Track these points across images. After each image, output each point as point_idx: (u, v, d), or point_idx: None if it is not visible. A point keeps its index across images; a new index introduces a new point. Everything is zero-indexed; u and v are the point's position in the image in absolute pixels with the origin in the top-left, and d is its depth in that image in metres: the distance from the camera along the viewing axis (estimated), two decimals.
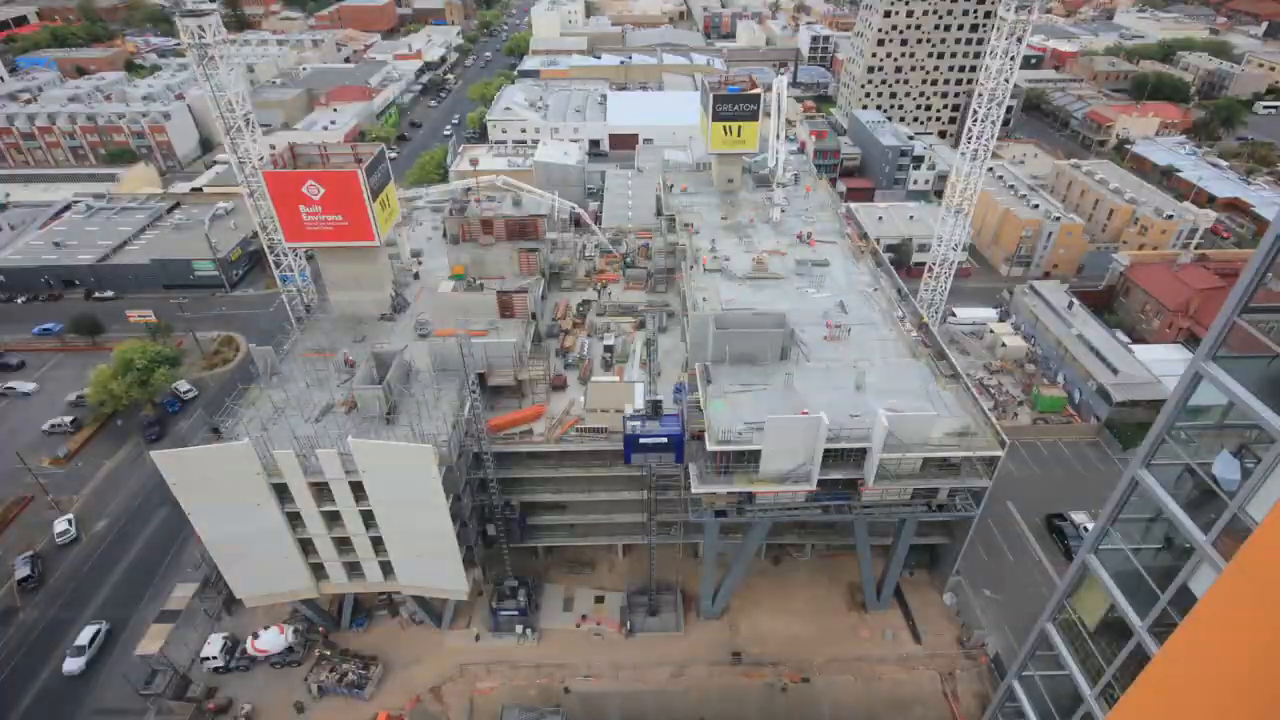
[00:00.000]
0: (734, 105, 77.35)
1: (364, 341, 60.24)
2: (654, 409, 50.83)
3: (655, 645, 61.22)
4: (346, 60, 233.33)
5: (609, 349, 64.16)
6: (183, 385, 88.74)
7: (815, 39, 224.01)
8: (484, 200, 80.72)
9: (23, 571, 66.04)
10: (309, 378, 54.66)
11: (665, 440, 50.84)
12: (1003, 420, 79.31)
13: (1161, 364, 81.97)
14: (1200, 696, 21.17)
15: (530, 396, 58.98)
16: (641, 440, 50.77)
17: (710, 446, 48.91)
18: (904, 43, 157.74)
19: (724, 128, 78.46)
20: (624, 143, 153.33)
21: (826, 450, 48.01)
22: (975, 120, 69.60)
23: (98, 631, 61.41)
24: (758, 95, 77.63)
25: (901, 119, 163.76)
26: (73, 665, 58.94)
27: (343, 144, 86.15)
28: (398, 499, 49.16)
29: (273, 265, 73.82)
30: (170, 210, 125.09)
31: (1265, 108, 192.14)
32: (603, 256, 79.80)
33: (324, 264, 63.48)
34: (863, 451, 49.22)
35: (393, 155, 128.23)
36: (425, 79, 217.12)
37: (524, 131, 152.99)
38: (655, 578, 62.20)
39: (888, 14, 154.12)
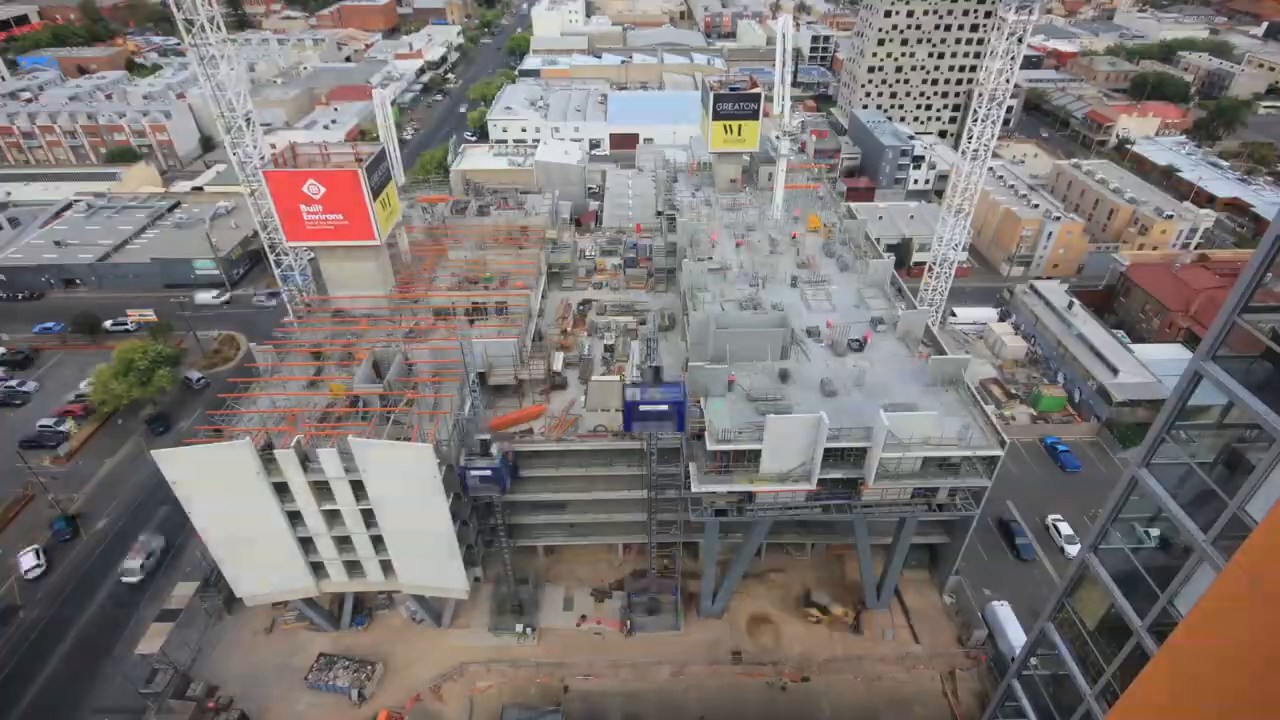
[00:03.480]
0: (734, 104, 77.18)
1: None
2: (654, 375, 48.90)
3: (655, 644, 61.26)
4: (347, 60, 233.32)
5: (609, 349, 64.19)
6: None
7: (815, 39, 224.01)
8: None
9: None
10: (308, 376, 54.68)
11: (666, 408, 47.60)
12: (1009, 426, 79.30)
13: (1161, 364, 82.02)
14: (1200, 696, 21.19)
15: (530, 396, 59.06)
16: (642, 407, 47.71)
17: (710, 446, 48.92)
18: (904, 42, 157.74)
19: (724, 126, 78.30)
20: (624, 143, 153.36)
21: (827, 449, 48.00)
22: (975, 120, 69.59)
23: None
24: (758, 94, 77.48)
25: (902, 119, 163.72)
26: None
27: (343, 143, 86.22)
28: (398, 498, 49.20)
29: (273, 264, 73.86)
30: (171, 209, 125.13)
31: (1266, 108, 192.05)
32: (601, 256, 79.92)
33: (324, 263, 63.53)
34: (863, 451, 49.22)
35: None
36: (425, 78, 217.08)
37: (524, 131, 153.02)
38: (655, 577, 62.22)
39: (888, 14, 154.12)
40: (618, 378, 59.33)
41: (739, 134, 78.78)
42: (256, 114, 67.44)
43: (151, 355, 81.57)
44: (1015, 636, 57.83)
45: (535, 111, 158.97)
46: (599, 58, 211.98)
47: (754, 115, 77.55)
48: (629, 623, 62.02)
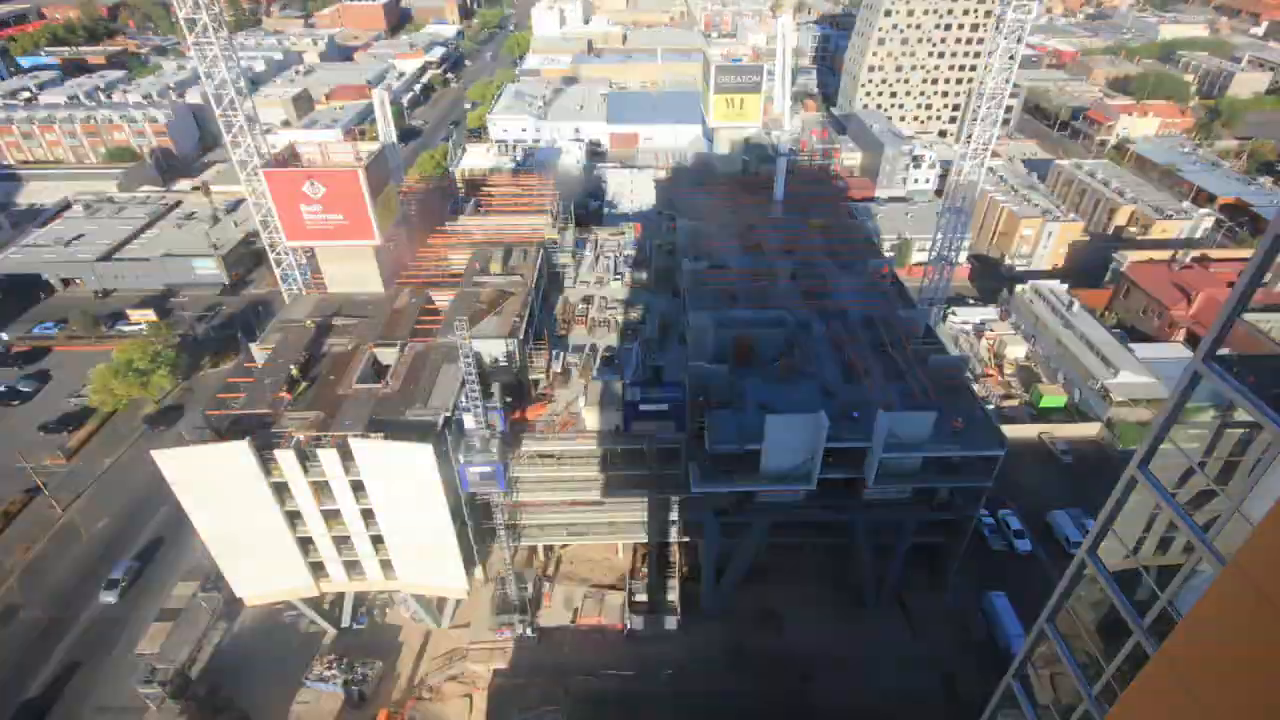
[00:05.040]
0: (736, 76, 76.81)
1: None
2: (655, 375, 49.68)
3: (655, 644, 61.19)
4: (347, 59, 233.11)
5: (609, 348, 64.05)
6: None
7: (815, 39, 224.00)
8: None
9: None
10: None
11: (666, 407, 49.12)
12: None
13: (1161, 364, 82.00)
14: (1200, 696, 21.19)
15: (529, 396, 59.01)
16: (641, 407, 49.22)
17: (710, 446, 48.90)
18: (904, 42, 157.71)
19: (726, 100, 77.89)
20: (624, 142, 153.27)
21: (827, 449, 48.00)
22: (975, 120, 69.54)
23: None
24: (760, 66, 77.12)
25: (902, 118, 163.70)
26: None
27: (343, 143, 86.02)
28: (397, 498, 49.20)
29: (273, 264, 73.78)
30: (171, 209, 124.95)
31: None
32: None
33: (323, 262, 63.52)
34: (863, 451, 49.23)
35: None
36: (426, 78, 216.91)
37: (524, 131, 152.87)
38: (654, 576, 62.22)
39: (888, 13, 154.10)
40: (617, 377, 59.28)
41: (740, 108, 78.25)
42: (256, 114, 67.35)
43: (151, 355, 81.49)
44: (1013, 629, 58.06)
45: (535, 112, 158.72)
46: (599, 58, 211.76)
47: (755, 88, 77.06)
48: (628, 622, 61.99)
